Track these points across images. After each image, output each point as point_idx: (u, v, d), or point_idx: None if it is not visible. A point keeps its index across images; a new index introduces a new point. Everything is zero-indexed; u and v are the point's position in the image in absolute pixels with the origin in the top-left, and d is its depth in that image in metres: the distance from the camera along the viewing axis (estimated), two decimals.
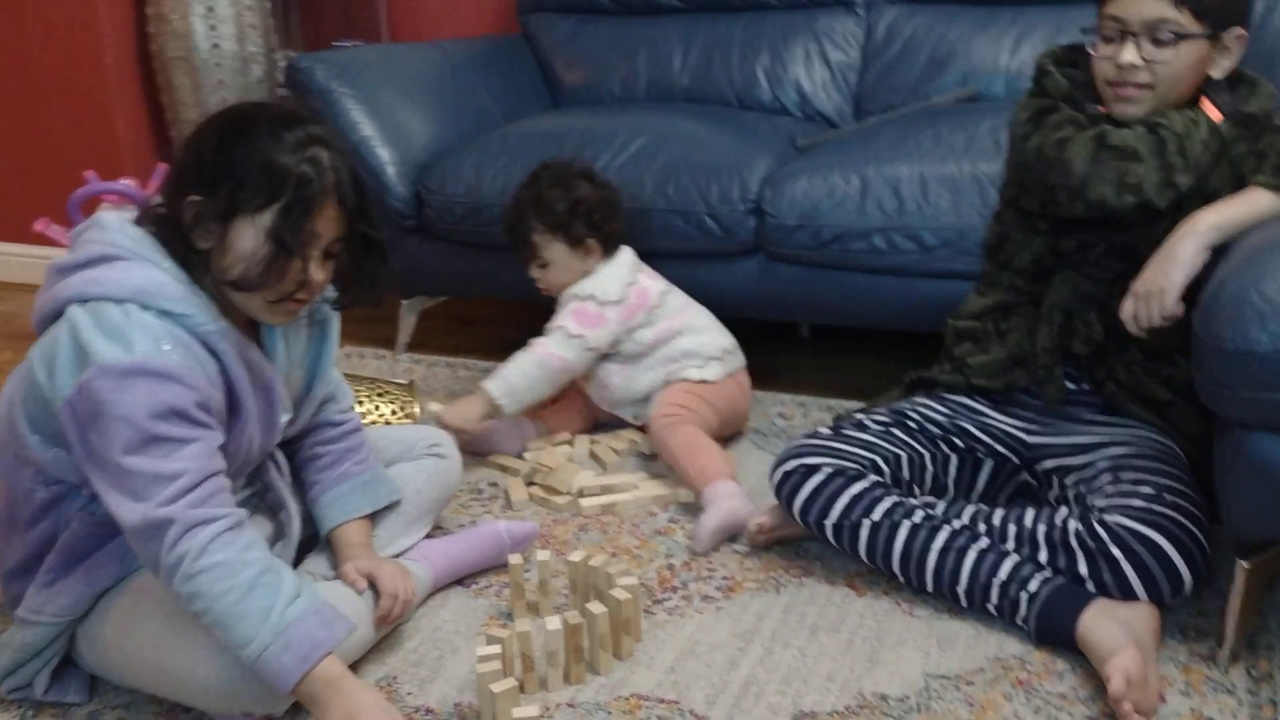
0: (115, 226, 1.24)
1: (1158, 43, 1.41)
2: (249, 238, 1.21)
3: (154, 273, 1.21)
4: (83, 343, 1.16)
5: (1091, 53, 1.48)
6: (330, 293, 1.39)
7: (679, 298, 2.01)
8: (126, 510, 1.16)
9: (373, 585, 1.39)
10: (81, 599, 1.29)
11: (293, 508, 1.43)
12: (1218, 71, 1.46)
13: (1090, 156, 1.43)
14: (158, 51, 2.87)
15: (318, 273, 1.26)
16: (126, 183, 2.63)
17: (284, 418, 1.38)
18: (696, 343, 1.96)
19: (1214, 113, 1.45)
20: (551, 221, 1.93)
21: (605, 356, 1.96)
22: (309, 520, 1.48)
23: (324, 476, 1.48)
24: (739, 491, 1.70)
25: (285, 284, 1.23)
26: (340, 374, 1.55)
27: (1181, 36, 1.40)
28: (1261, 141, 1.44)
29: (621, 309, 1.93)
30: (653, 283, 1.99)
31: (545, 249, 1.95)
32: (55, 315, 1.22)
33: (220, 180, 1.20)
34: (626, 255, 1.99)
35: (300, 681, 1.17)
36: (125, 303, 1.18)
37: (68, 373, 1.17)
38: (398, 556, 1.50)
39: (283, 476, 1.45)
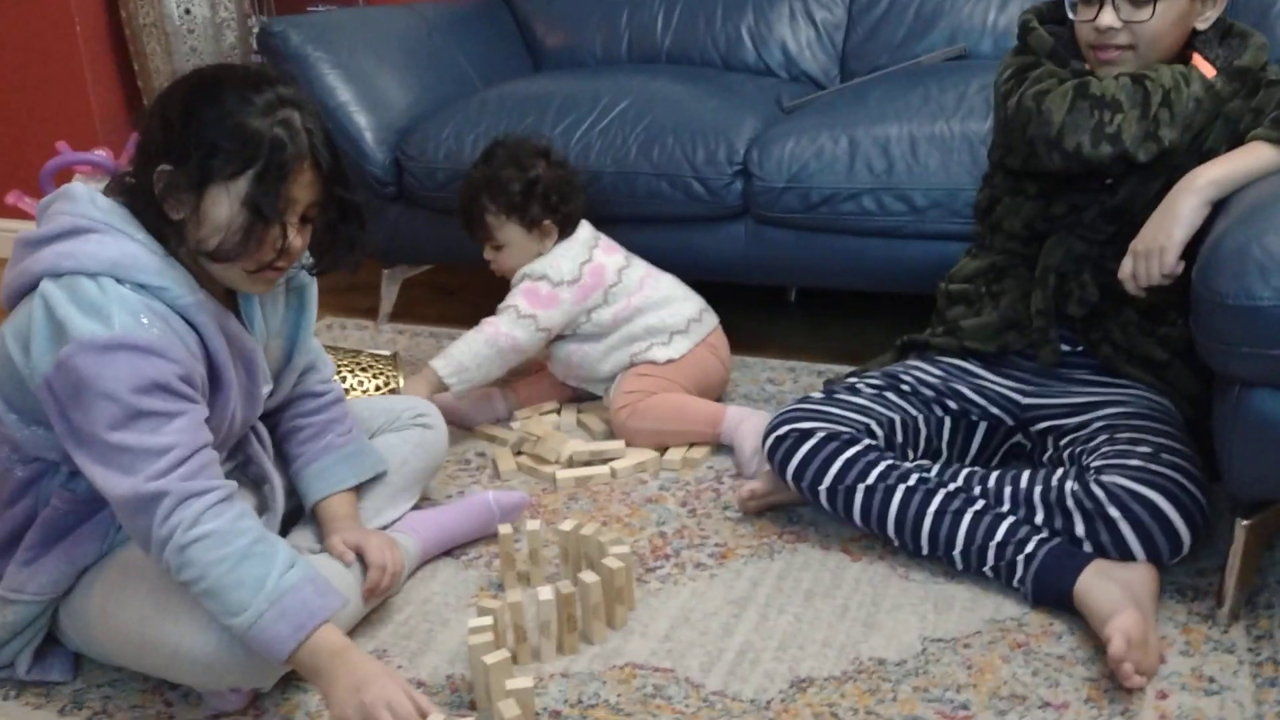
0: (85, 197, 1.21)
1: (1135, 2, 1.39)
2: (224, 206, 1.17)
3: (127, 245, 1.18)
4: (59, 318, 1.13)
5: (1071, 16, 1.46)
6: (306, 259, 1.35)
7: (638, 270, 1.93)
8: (114, 484, 1.13)
9: (360, 558, 1.36)
10: (63, 576, 1.26)
11: (276, 481, 1.40)
12: (1203, 23, 1.44)
13: (1068, 106, 1.41)
14: (129, 19, 2.81)
15: (295, 239, 1.22)
16: (100, 153, 2.58)
17: (265, 389, 1.35)
18: (659, 318, 1.89)
19: (1207, 68, 1.42)
20: (506, 203, 1.87)
21: (562, 337, 1.91)
22: (292, 493, 1.45)
23: (307, 449, 1.45)
24: (749, 410, 1.77)
25: (264, 252, 1.20)
26: (320, 344, 1.52)
27: None
28: (1258, 97, 1.41)
29: (576, 289, 1.87)
30: (609, 258, 1.91)
31: (500, 231, 1.89)
32: (26, 290, 1.19)
33: (190, 148, 1.16)
34: (583, 231, 1.93)
35: (296, 650, 1.14)
36: (100, 276, 1.15)
37: (45, 349, 1.14)
38: (385, 528, 1.48)
39: (265, 449, 1.42)
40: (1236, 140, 1.37)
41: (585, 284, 1.88)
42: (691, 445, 1.81)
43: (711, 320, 1.96)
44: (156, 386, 1.14)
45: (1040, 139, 1.44)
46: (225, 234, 1.17)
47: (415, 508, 1.56)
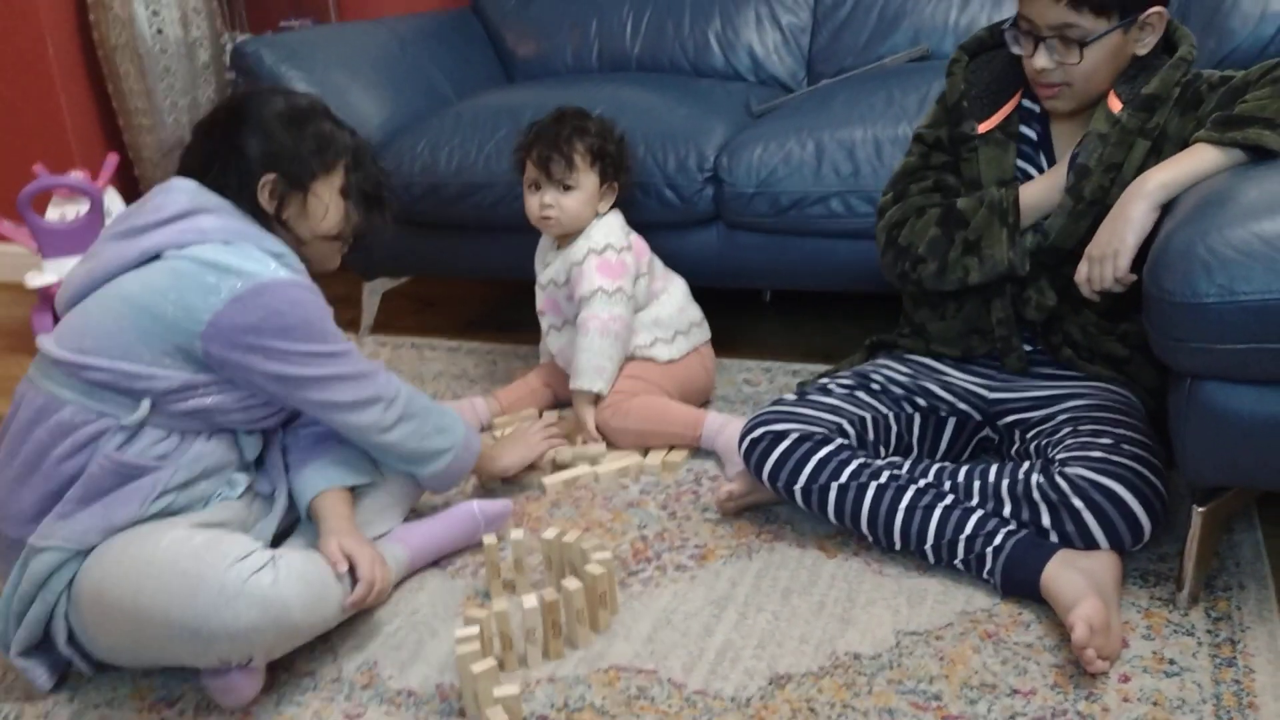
0: (192, 188, 1.39)
1: (1066, 42, 1.43)
2: (326, 195, 1.46)
3: (245, 223, 1.39)
4: (223, 266, 1.32)
5: (1013, 49, 1.50)
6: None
7: (660, 263, 2.03)
8: (346, 389, 1.40)
9: (351, 568, 1.40)
10: (93, 530, 1.30)
11: (282, 482, 1.47)
12: (1142, 49, 1.47)
13: (939, 252, 1.55)
14: (101, 40, 2.82)
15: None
16: (76, 175, 2.59)
17: None
18: (669, 312, 1.97)
19: (1115, 103, 1.47)
20: (599, 149, 1.92)
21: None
22: (291, 508, 1.49)
23: (306, 452, 1.50)
24: (729, 416, 1.82)
25: (350, 227, 1.51)
26: None
27: (1090, 39, 1.42)
28: (1202, 106, 1.44)
29: (632, 253, 1.94)
30: (639, 239, 2.00)
31: (579, 174, 1.91)
32: (133, 265, 1.34)
33: (290, 157, 1.42)
34: (616, 211, 2.00)
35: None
36: (234, 243, 1.35)
37: (209, 295, 1.30)
38: (374, 540, 1.51)
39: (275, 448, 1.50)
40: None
41: (636, 248, 1.96)
42: (671, 449, 1.86)
43: (706, 333, 2.03)
44: (330, 318, 1.41)
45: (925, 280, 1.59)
46: (331, 216, 1.47)
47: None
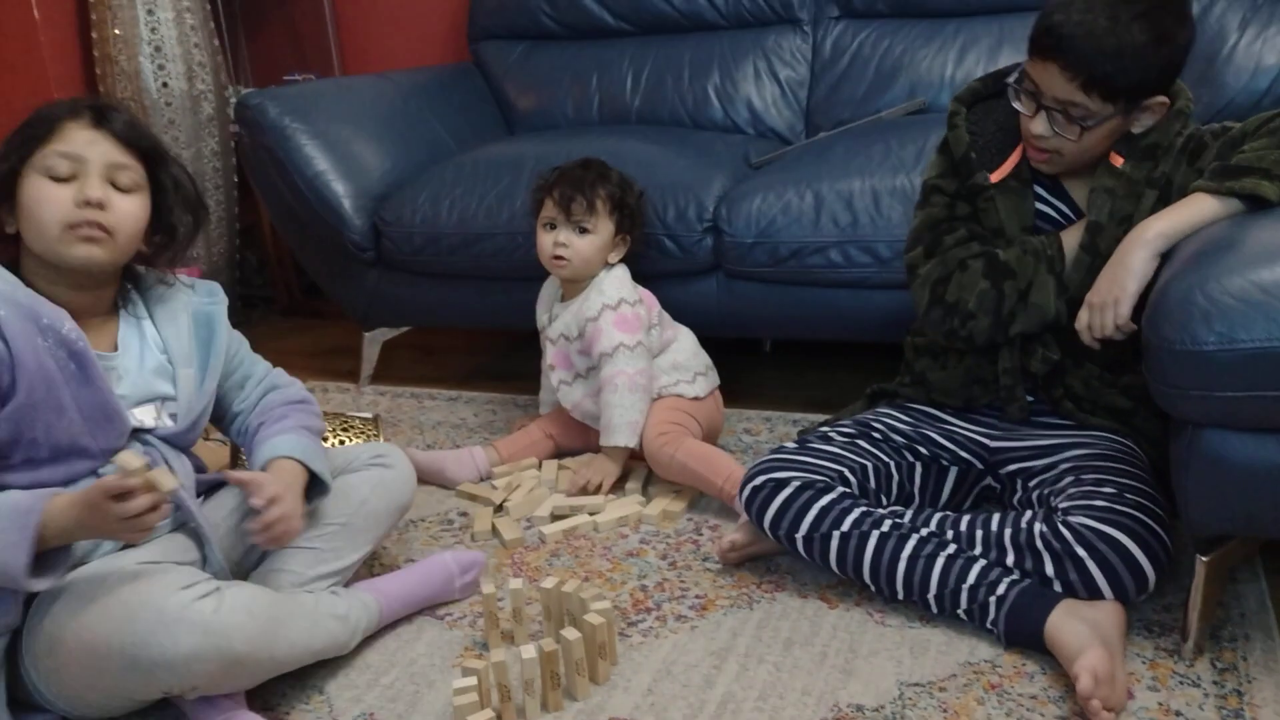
0: None
1: (1068, 118, 1.44)
2: (33, 187, 1.31)
3: None
4: None
5: (1015, 105, 1.50)
6: (208, 294, 1.51)
7: (665, 313, 2.05)
8: None
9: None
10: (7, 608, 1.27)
11: (201, 520, 1.41)
12: (1138, 128, 1.48)
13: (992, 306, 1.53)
14: (107, 93, 2.85)
15: (97, 191, 1.32)
16: None
17: (139, 406, 1.40)
18: (684, 356, 1.99)
19: (1116, 159, 1.49)
20: (619, 197, 1.95)
21: (594, 367, 1.96)
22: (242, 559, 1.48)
23: (270, 428, 1.50)
24: None
25: (45, 206, 1.30)
26: (288, 376, 1.60)
27: (1091, 123, 1.43)
28: (1201, 157, 1.45)
29: (644, 305, 1.97)
30: (648, 293, 2.02)
31: (598, 218, 1.93)
32: None
33: (3, 163, 1.32)
34: (623, 265, 2.02)
35: (36, 538, 1.18)
36: None
37: None
38: (348, 584, 1.51)
39: (184, 488, 1.43)
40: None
41: (646, 301, 1.98)
42: (675, 495, 1.85)
43: (717, 377, 2.05)
44: None
45: (971, 335, 1.57)
46: (37, 210, 1.31)
47: (382, 568, 1.57)
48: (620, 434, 1.88)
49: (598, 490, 1.89)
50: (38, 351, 1.28)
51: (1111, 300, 1.34)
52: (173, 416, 1.44)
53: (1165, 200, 1.44)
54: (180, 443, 1.46)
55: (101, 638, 1.21)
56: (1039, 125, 1.46)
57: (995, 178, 1.56)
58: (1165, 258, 1.33)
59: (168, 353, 1.45)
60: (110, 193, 1.34)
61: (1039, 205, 1.57)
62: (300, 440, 1.49)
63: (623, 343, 1.90)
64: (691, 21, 2.70)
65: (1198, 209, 1.32)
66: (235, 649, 1.24)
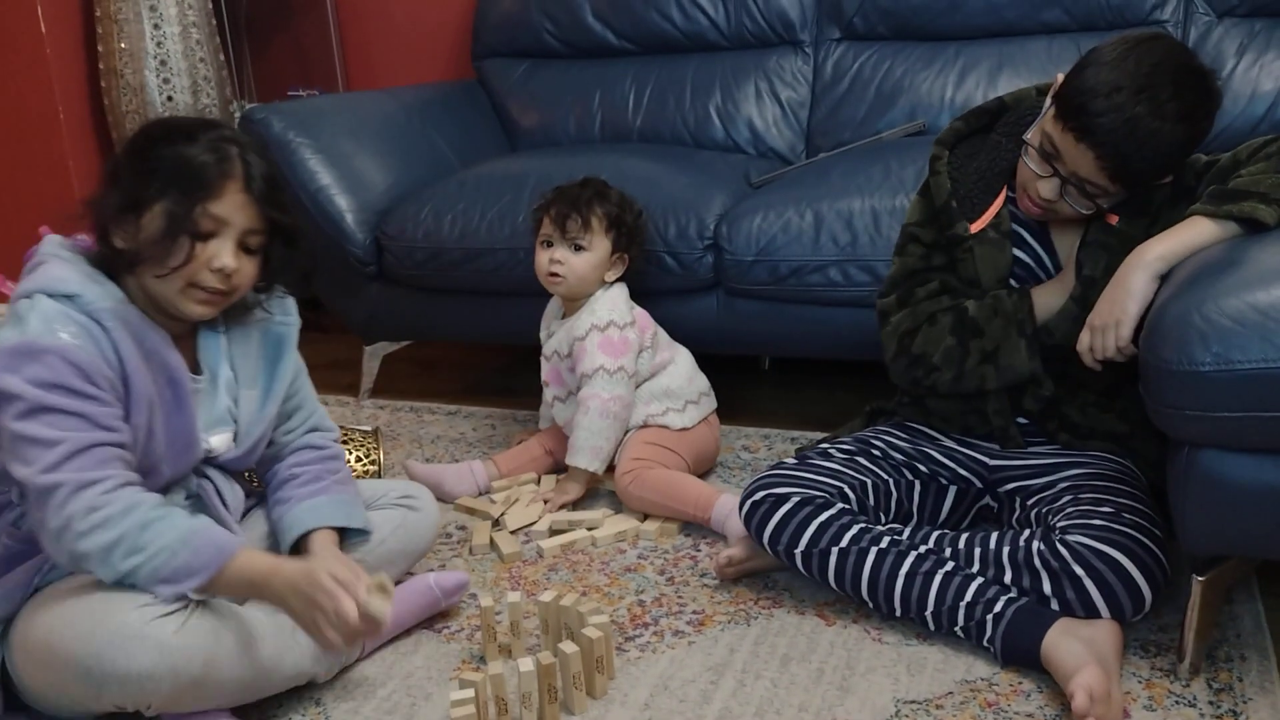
0: (49, 239, 1.34)
1: (1083, 193, 1.44)
2: (150, 221, 1.28)
3: (64, 268, 1.28)
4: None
5: (1027, 161, 1.48)
6: (283, 312, 1.47)
7: (664, 334, 2.04)
8: (20, 473, 1.21)
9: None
10: None
11: (236, 532, 1.42)
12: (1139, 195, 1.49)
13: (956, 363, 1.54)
14: (111, 106, 2.87)
15: (230, 260, 1.31)
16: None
17: (215, 435, 1.40)
18: (678, 382, 1.98)
19: (1111, 217, 1.50)
20: (616, 216, 1.96)
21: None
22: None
23: (301, 490, 1.48)
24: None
25: (175, 259, 1.28)
26: (324, 408, 1.58)
27: (1104, 202, 1.45)
28: (1199, 186, 1.45)
29: (635, 328, 1.96)
30: (644, 314, 2.02)
31: (594, 236, 1.94)
32: None
33: (133, 178, 1.29)
34: (622, 285, 2.02)
35: (217, 575, 1.23)
36: (34, 294, 1.26)
37: None
38: None
39: (228, 508, 1.44)
40: None
41: (640, 323, 1.98)
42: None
43: (713, 402, 2.05)
44: (55, 385, 1.21)
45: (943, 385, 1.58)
46: (142, 241, 1.28)
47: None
48: (582, 456, 1.88)
49: (561, 509, 1.89)
50: (143, 375, 1.29)
51: (1113, 322, 1.35)
52: (234, 438, 1.43)
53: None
54: (236, 467, 1.46)
55: (61, 644, 1.22)
56: (1048, 190, 1.46)
57: (975, 228, 1.57)
58: (1163, 279, 1.34)
59: (234, 370, 1.43)
60: (239, 257, 1.32)
61: (1017, 252, 1.57)
62: (338, 507, 1.47)
63: (603, 366, 1.90)
64: (694, 42, 2.72)
65: (1196, 232, 1.33)
66: (194, 671, 1.24)
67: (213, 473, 1.43)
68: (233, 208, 1.30)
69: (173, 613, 1.24)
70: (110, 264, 1.30)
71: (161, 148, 1.29)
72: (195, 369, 1.40)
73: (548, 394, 2.03)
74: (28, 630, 1.26)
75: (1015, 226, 1.58)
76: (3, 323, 1.26)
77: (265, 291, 1.44)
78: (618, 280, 2.00)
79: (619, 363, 1.91)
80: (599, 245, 1.94)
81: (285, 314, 1.49)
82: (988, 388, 1.55)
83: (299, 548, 1.44)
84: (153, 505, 1.24)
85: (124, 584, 1.23)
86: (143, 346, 1.30)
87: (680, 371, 2.00)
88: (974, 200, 1.58)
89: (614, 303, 1.95)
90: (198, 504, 1.42)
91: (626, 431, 1.95)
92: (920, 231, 1.62)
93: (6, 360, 1.21)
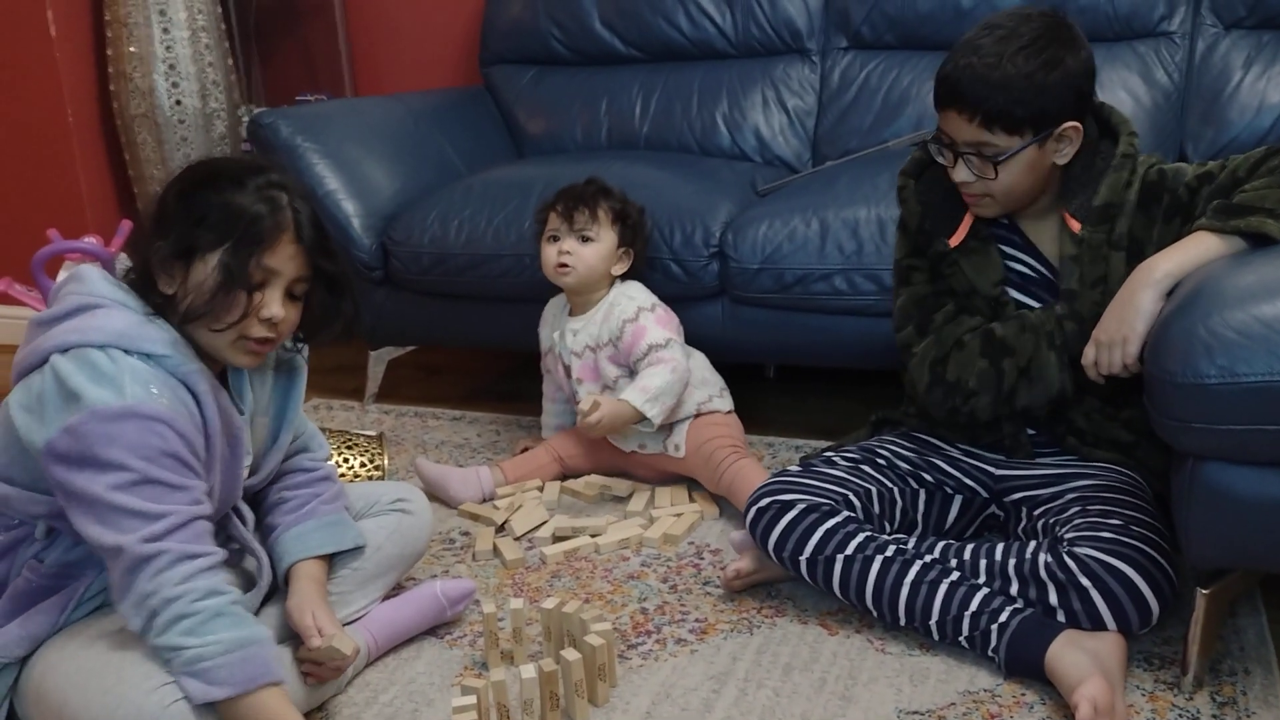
0: (94, 277, 1.29)
1: (982, 159, 1.46)
2: (202, 273, 1.26)
3: (132, 317, 1.25)
4: (71, 387, 1.18)
5: (938, 159, 1.52)
6: (290, 341, 1.43)
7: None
8: (109, 539, 1.17)
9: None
10: (15, 641, 1.27)
11: (261, 556, 1.42)
12: (1062, 159, 1.49)
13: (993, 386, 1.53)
14: (120, 109, 2.88)
15: (279, 309, 1.30)
16: (90, 240, 2.63)
17: (244, 467, 1.39)
18: (707, 372, 2.04)
19: (1074, 224, 1.50)
20: (621, 210, 2.00)
21: (621, 379, 1.98)
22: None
23: (288, 518, 1.47)
24: None
25: (232, 314, 1.27)
26: (315, 426, 1.56)
27: (1002, 158, 1.45)
28: (1195, 204, 1.45)
29: (665, 309, 2.01)
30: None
31: (601, 228, 1.97)
32: (34, 366, 1.24)
33: (182, 224, 1.25)
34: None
35: (241, 695, 1.17)
36: (108, 348, 1.21)
37: (55, 417, 1.19)
38: (350, 622, 1.49)
39: (247, 527, 1.44)
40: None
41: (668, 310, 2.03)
42: (677, 518, 1.85)
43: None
44: (165, 455, 1.19)
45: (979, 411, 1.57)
46: (196, 295, 1.25)
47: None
48: (649, 399, 1.87)
49: (590, 413, 1.86)
50: (220, 437, 1.30)
51: (1120, 339, 1.34)
52: (251, 468, 1.43)
53: (1135, 258, 1.44)
54: (251, 492, 1.46)
55: (75, 717, 1.20)
56: (960, 173, 1.49)
57: (954, 241, 1.57)
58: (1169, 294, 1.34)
59: (255, 398, 1.42)
60: (285, 305, 1.31)
61: (1009, 264, 1.57)
62: (326, 533, 1.46)
63: (669, 337, 1.94)
64: (701, 50, 2.72)
65: (1203, 247, 1.33)
66: None
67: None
68: (284, 258, 1.29)
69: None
70: (162, 311, 1.28)
71: (209, 194, 1.27)
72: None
73: (582, 390, 2.01)
74: (43, 685, 1.24)
75: (999, 237, 1.58)
76: (71, 367, 1.20)
77: (309, 340, 1.42)
78: (626, 277, 2.02)
79: (677, 335, 1.97)
80: (606, 236, 1.97)
81: (292, 341, 1.47)
82: (1018, 405, 1.53)
83: (289, 576, 1.44)
84: (233, 599, 1.21)
85: (160, 654, 1.19)
86: (220, 409, 1.30)
87: (702, 364, 2.05)
88: (946, 218, 1.59)
89: (638, 291, 2.00)
90: (222, 529, 1.41)
91: (680, 421, 1.96)
92: (916, 261, 1.63)
93: (107, 426, 1.17)
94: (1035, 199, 1.53)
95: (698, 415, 1.97)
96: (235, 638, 1.18)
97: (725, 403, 2.03)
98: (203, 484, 1.24)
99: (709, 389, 2.01)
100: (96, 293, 1.26)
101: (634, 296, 1.98)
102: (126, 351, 1.21)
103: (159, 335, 1.24)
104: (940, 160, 1.52)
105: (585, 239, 1.96)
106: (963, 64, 1.43)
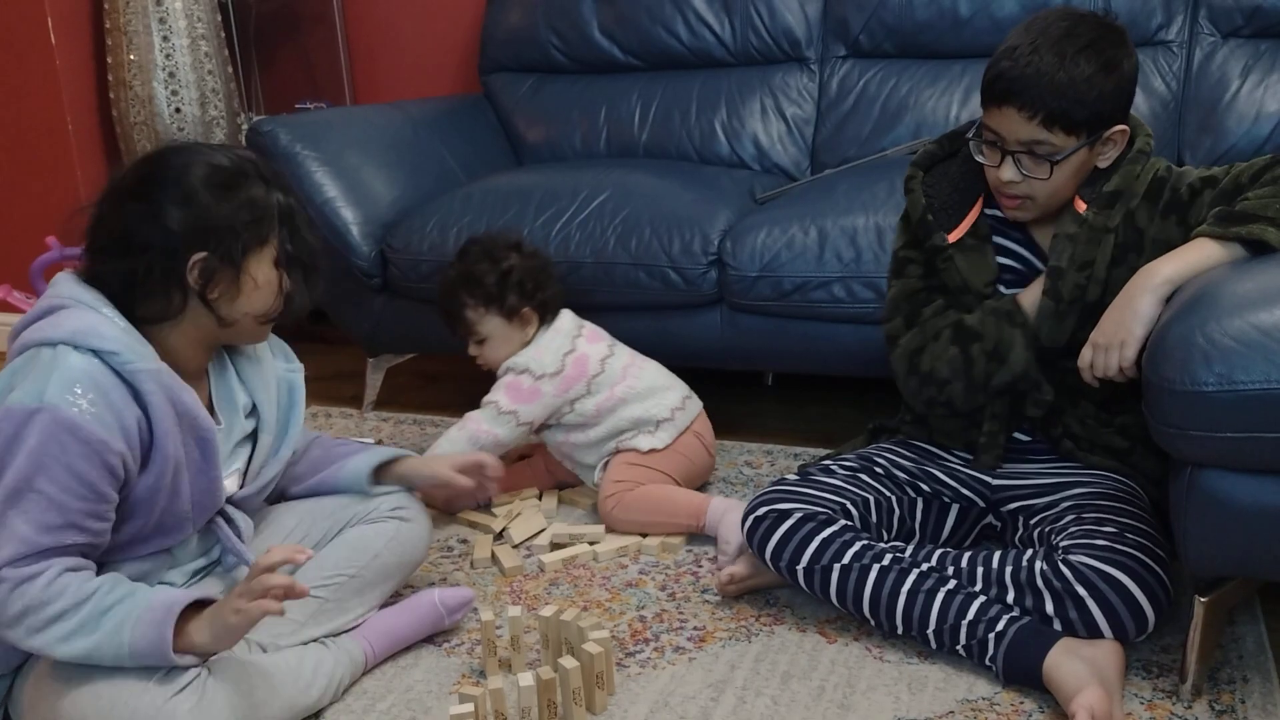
0: (65, 280, 1.31)
1: (1035, 158, 1.45)
2: (262, 273, 1.34)
3: (92, 316, 1.25)
4: (4, 385, 1.23)
5: (977, 158, 1.51)
6: (286, 359, 1.53)
7: (621, 359, 1.96)
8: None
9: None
10: (7, 651, 1.28)
11: (250, 560, 1.42)
12: (1104, 162, 1.49)
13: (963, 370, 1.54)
14: (119, 117, 2.89)
15: (289, 280, 1.39)
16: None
17: (229, 478, 1.40)
18: (644, 410, 1.92)
19: (1080, 205, 1.50)
20: (483, 295, 1.93)
21: (548, 426, 1.95)
22: None
23: (328, 467, 1.57)
24: (733, 501, 1.77)
25: (280, 299, 1.38)
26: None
27: (1059, 158, 1.44)
28: (1193, 209, 1.46)
29: (558, 381, 1.91)
30: (593, 347, 1.95)
31: (480, 324, 1.94)
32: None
33: (219, 232, 1.29)
34: (565, 321, 1.98)
35: (180, 642, 1.20)
36: (59, 344, 1.22)
37: None
38: (345, 631, 1.48)
39: (242, 537, 1.43)
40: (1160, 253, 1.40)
41: (568, 375, 1.91)
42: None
43: (695, 406, 2.00)
44: (61, 466, 1.19)
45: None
46: (267, 293, 1.35)
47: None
48: (441, 441, 1.92)
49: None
50: (173, 438, 1.28)
51: (1117, 343, 1.34)
52: (242, 477, 1.45)
53: (1128, 247, 1.44)
54: (248, 506, 1.47)
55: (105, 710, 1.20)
56: (1008, 171, 1.47)
57: (953, 237, 1.57)
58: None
59: (258, 418, 1.45)
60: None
61: (1003, 259, 1.58)
62: (373, 453, 1.59)
63: (497, 403, 1.91)
64: (700, 58, 2.73)
65: (1203, 254, 1.33)
66: None
67: (226, 509, 1.43)
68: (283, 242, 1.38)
69: (186, 688, 1.22)
70: (129, 309, 1.28)
71: (223, 198, 1.30)
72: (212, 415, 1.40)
73: None
74: (36, 692, 1.24)
75: (997, 237, 1.58)
76: (21, 366, 1.23)
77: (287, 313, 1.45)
78: (545, 326, 1.96)
79: (514, 407, 1.90)
80: (491, 325, 1.95)
81: (288, 359, 1.54)
82: (993, 387, 1.53)
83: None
84: (80, 594, 1.20)
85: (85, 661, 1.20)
86: (176, 409, 1.29)
87: (642, 403, 1.93)
88: (950, 211, 1.59)
89: (541, 351, 1.93)
90: (210, 537, 1.42)
91: (604, 459, 1.94)
92: (913, 254, 1.63)
93: (14, 424, 1.18)
94: (1065, 202, 1.52)
95: (616, 452, 1.93)
96: (114, 623, 1.19)
97: (655, 439, 1.90)
98: (98, 504, 1.22)
99: (636, 428, 1.91)
100: (65, 294, 1.28)
101: (523, 354, 1.93)
102: (76, 348, 1.22)
103: (112, 331, 1.24)
104: (981, 159, 1.51)
105: (479, 342, 1.97)
106: (1025, 61, 1.41)
